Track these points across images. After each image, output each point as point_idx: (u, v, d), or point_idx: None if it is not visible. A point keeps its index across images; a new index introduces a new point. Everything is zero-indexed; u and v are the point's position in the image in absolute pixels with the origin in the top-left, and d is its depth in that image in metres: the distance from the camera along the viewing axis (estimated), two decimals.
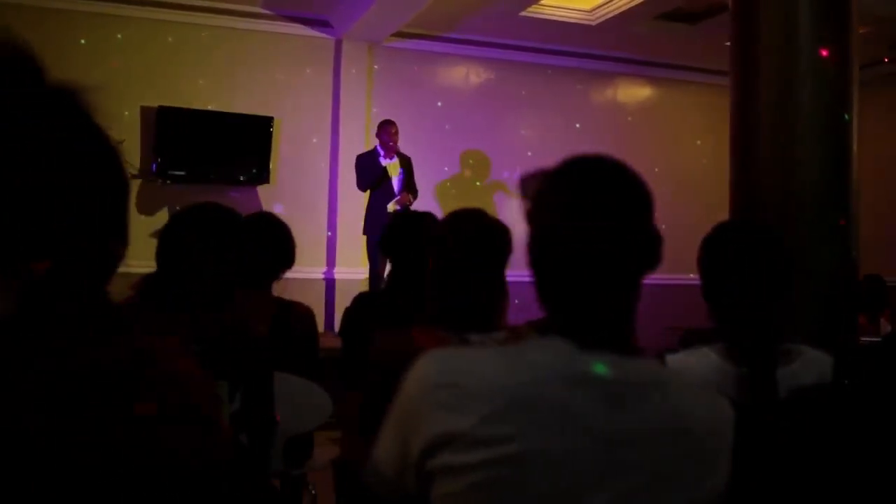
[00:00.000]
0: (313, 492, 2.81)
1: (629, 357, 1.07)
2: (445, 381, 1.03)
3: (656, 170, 8.95)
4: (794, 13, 2.82)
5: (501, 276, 1.98)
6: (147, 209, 7.09)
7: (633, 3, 7.15)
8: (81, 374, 1.03)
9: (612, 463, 1.02)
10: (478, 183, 8.43)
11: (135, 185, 7.13)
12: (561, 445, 1.00)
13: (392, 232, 2.72)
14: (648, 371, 1.08)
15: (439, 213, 8.01)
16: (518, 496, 1.00)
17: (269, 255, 2.67)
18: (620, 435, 1.02)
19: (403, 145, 7.08)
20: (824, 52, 2.72)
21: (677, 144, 9.08)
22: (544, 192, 1.12)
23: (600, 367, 1.03)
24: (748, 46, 2.91)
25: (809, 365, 1.78)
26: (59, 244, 1.07)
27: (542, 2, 7.38)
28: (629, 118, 9.03)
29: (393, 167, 6.87)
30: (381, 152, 6.85)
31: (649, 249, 1.09)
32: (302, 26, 7.69)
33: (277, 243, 2.72)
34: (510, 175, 8.56)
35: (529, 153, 8.59)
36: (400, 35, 7.86)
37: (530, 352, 1.06)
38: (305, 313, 2.78)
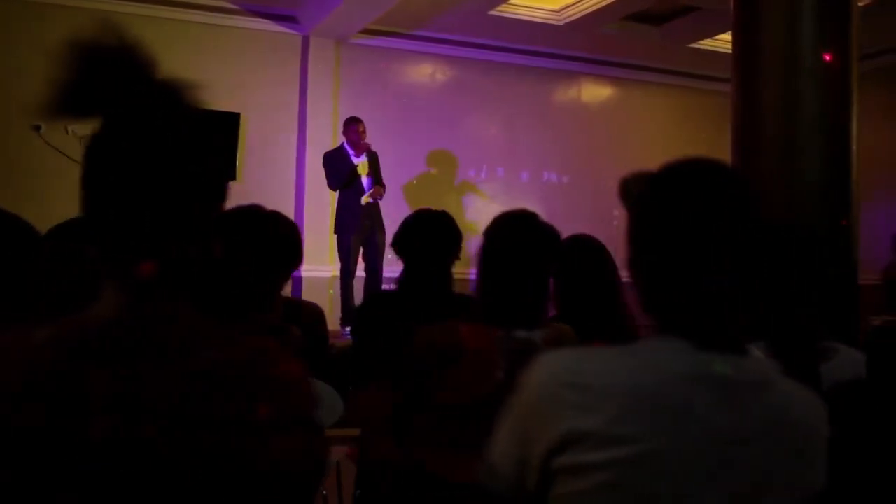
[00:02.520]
0: (324, 492, 2.79)
1: (741, 355, 1.09)
2: (572, 381, 1.04)
3: (618, 169, 9.08)
4: (796, 19, 2.88)
5: (548, 276, 2.03)
6: None
7: (602, 4, 7.23)
8: (198, 377, 1.01)
9: (730, 461, 1.04)
10: (444, 181, 8.45)
11: None
12: (684, 445, 1.02)
13: (407, 231, 2.72)
14: (758, 369, 1.10)
15: (405, 211, 7.98)
16: (642, 495, 1.01)
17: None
18: (737, 433, 1.05)
19: (370, 143, 7.07)
20: (827, 57, 2.80)
21: (639, 144, 9.21)
22: (655, 195, 1.13)
23: (720, 366, 1.05)
24: (750, 52, 2.97)
25: (846, 362, 1.84)
26: (164, 244, 1.06)
27: (510, 1, 7.42)
28: (593, 117, 9.14)
29: (363, 166, 6.82)
30: (350, 150, 6.80)
31: (757, 249, 1.11)
32: (268, 21, 7.60)
33: (288, 243, 2.69)
34: (476, 173, 8.59)
35: (495, 151, 8.64)
36: (368, 32, 7.83)
37: (650, 351, 1.07)
38: (315, 312, 2.76)
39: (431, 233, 2.68)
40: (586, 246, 2.77)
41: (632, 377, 1.04)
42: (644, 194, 1.14)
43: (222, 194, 1.14)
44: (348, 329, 6.69)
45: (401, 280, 2.76)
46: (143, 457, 0.96)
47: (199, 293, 1.80)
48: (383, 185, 6.93)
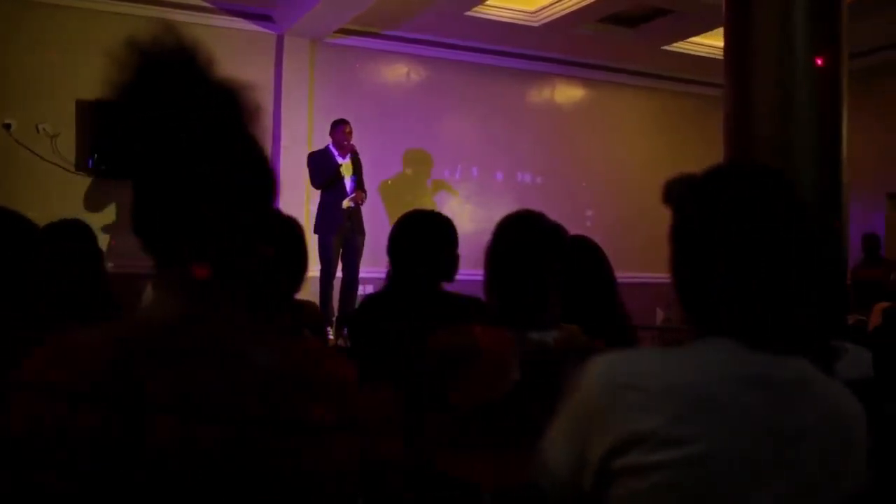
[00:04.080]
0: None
1: (788, 356, 1.11)
2: (629, 382, 1.05)
3: (592, 169, 9.15)
4: (789, 24, 2.92)
5: (557, 276, 2.03)
6: (84, 206, 6.85)
7: (578, 6, 7.27)
8: (257, 379, 1.00)
9: (784, 460, 1.06)
10: (419, 181, 8.44)
11: (71, 182, 6.87)
12: (740, 444, 1.04)
13: (399, 232, 2.71)
14: (804, 369, 1.12)
15: (380, 211, 7.93)
16: (701, 495, 1.02)
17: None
18: (788, 433, 1.06)
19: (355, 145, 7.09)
20: (819, 62, 2.84)
21: (612, 144, 9.29)
22: (702, 197, 1.14)
23: (769, 367, 1.07)
24: (743, 57, 3.01)
25: (854, 361, 1.88)
26: (217, 248, 1.05)
27: (487, 2, 7.44)
28: (566, 118, 9.19)
29: (346, 167, 6.89)
30: (335, 151, 6.85)
31: (812, 251, 1.13)
32: (243, 20, 7.54)
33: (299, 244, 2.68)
34: (451, 174, 8.60)
35: (469, 152, 8.66)
36: (343, 31, 7.80)
37: (702, 352, 1.09)
38: (315, 312, 2.75)
39: (425, 234, 2.67)
40: (583, 246, 2.79)
41: (687, 378, 1.05)
42: (689, 196, 1.16)
43: (272, 193, 1.14)
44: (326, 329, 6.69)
45: (394, 281, 2.75)
46: (202, 458, 0.95)
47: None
48: (365, 191, 6.96)
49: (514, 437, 1.95)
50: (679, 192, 1.17)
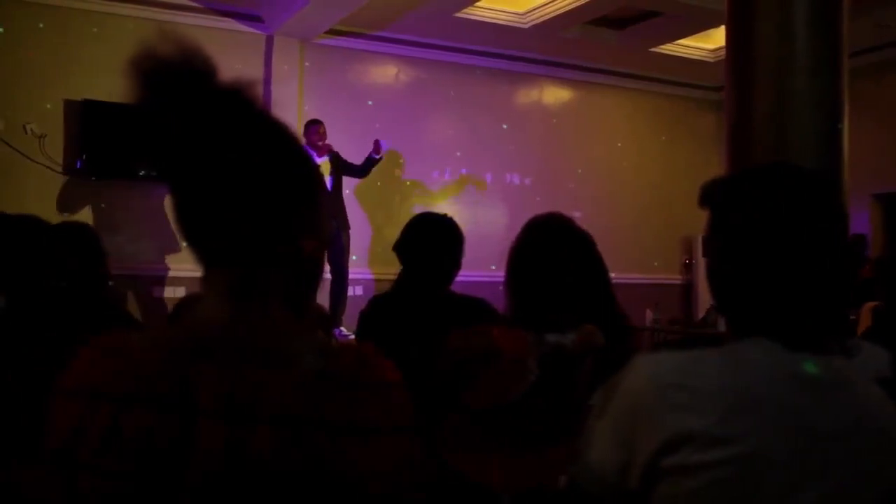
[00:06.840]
0: None
1: (826, 355, 1.12)
2: (676, 382, 1.06)
3: (579, 171, 9.18)
4: (790, 26, 2.94)
5: (576, 279, 2.04)
6: (72, 207, 6.79)
7: (567, 8, 7.29)
8: (307, 382, 1.00)
9: (827, 459, 1.07)
10: (408, 183, 8.43)
11: (59, 183, 6.80)
12: (786, 444, 1.05)
13: (409, 234, 2.72)
14: (843, 369, 1.14)
15: (367, 213, 7.87)
16: (749, 494, 1.03)
17: None
18: (832, 431, 1.08)
19: (334, 144, 7.10)
20: (816, 67, 2.87)
21: (599, 146, 9.32)
22: (741, 198, 1.15)
23: (810, 366, 1.08)
24: (744, 60, 3.03)
25: (869, 359, 1.89)
26: (263, 247, 1.05)
27: (476, 3, 7.44)
28: (554, 120, 9.21)
29: (324, 166, 6.93)
30: (311, 152, 6.82)
31: (845, 252, 1.14)
32: (232, 20, 7.50)
33: None
34: (439, 175, 8.59)
35: (458, 153, 8.66)
36: (333, 32, 7.78)
37: (745, 353, 1.10)
38: (320, 313, 2.74)
39: (434, 236, 2.68)
40: None
41: (732, 378, 1.06)
42: (729, 198, 1.16)
43: (313, 187, 1.13)
44: None
45: (401, 282, 2.75)
46: (252, 461, 0.95)
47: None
48: (379, 152, 7.18)
49: (529, 438, 1.96)
50: (717, 195, 1.18)
